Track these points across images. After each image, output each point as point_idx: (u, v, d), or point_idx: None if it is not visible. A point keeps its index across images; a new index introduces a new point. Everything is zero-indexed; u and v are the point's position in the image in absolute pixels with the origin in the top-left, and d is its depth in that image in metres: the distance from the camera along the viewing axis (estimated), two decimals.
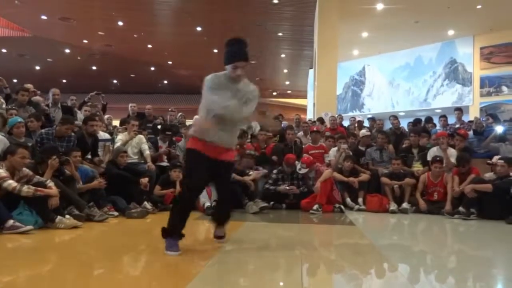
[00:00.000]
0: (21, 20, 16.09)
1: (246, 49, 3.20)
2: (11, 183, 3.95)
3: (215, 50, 18.12)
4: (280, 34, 15.85)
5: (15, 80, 17.59)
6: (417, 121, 9.50)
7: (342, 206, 6.15)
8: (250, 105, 3.23)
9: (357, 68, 18.51)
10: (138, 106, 9.01)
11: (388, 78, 17.41)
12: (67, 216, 4.23)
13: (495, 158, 6.22)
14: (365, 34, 14.66)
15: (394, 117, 9.05)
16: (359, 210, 6.29)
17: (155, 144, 6.95)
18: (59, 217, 4.09)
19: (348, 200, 6.44)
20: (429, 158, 6.60)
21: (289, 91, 25.47)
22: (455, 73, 15.24)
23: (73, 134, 5.64)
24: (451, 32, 14.59)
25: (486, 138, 7.67)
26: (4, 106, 5.59)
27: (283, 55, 18.96)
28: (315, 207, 5.88)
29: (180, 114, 9.54)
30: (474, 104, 14.53)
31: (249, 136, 7.62)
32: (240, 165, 6.44)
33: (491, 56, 14.30)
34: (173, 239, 3.14)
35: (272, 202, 6.22)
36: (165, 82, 24.14)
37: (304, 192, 6.35)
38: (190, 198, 3.32)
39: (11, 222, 3.73)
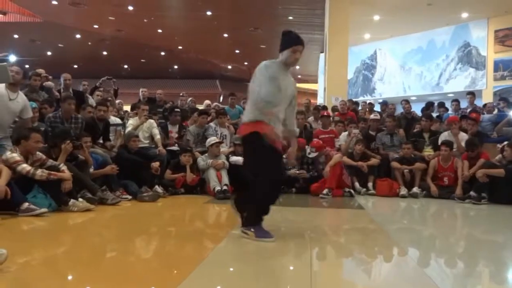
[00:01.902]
0: (32, 5, 16.10)
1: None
2: (25, 167, 4.02)
3: (225, 35, 18.02)
4: (290, 18, 15.66)
5: (27, 66, 17.70)
6: (429, 105, 9.39)
7: (352, 191, 6.16)
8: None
9: (368, 52, 18.29)
10: (149, 91, 9.04)
11: (399, 62, 17.19)
12: (80, 200, 4.30)
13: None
14: (376, 18, 14.44)
15: (406, 101, 8.97)
16: (368, 194, 6.29)
17: (165, 129, 6.99)
18: (72, 200, 4.17)
19: (356, 184, 6.44)
20: (440, 142, 6.56)
21: (299, 76, 25.28)
22: (468, 57, 14.99)
23: (79, 115, 5.70)
24: (465, 15, 14.30)
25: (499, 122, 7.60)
26: None
27: None
28: (324, 191, 5.90)
29: (190, 99, 9.55)
30: (487, 88, 14.29)
31: None
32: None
33: (506, 39, 14.00)
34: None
35: (281, 186, 6.25)
36: (176, 67, 24.11)
37: (314, 176, 6.36)
38: None
39: (26, 204, 3.80)
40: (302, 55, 3.32)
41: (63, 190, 4.17)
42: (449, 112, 8.92)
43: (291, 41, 3.33)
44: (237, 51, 20.25)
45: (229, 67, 23.78)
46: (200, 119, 6.98)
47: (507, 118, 7.71)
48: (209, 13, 15.55)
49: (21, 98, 4.76)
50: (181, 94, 9.76)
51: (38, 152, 4.27)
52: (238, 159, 6.02)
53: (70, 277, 2.23)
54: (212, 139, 6.17)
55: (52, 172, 4.14)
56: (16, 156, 4.03)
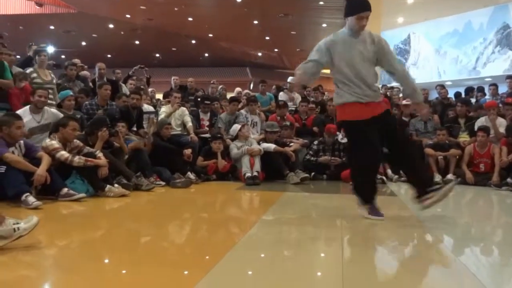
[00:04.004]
0: None
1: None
2: (63, 154, 4.17)
3: (255, 22, 17.93)
4: (321, 3, 15.43)
5: (63, 56, 18.18)
6: (469, 90, 9.09)
7: (384, 177, 6.08)
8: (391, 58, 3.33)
9: (401, 37, 17.81)
10: (180, 79, 9.14)
11: (434, 46, 16.68)
12: (116, 185, 4.43)
13: None
14: (410, 0, 14.04)
15: (441, 87, 8.73)
16: (401, 181, 6.19)
17: (197, 117, 7.07)
18: (108, 186, 4.30)
19: (389, 171, 6.35)
20: (476, 128, 6.37)
21: None
22: (508, 39, 14.37)
23: (114, 103, 5.87)
24: None
25: None
26: (54, 81, 5.84)
27: (324, 25, 18.49)
28: None
29: (221, 86, 9.59)
30: None
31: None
32: (280, 136, 6.50)
33: None
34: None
35: (313, 173, 6.24)
36: (206, 55, 24.21)
37: (346, 163, 6.30)
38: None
39: (65, 190, 3.96)
40: (368, 20, 3.13)
41: (100, 176, 4.30)
42: (487, 97, 8.63)
43: (356, 7, 3.14)
44: (267, 38, 20.13)
45: (259, 54, 23.69)
46: (231, 106, 7.02)
47: None
48: (238, 0, 15.51)
49: (48, 114, 4.76)
50: (211, 82, 9.82)
51: (75, 140, 4.41)
52: (269, 146, 6.04)
53: (106, 260, 2.32)
54: (236, 127, 6.25)
55: (89, 159, 4.28)
56: (55, 143, 4.19)
